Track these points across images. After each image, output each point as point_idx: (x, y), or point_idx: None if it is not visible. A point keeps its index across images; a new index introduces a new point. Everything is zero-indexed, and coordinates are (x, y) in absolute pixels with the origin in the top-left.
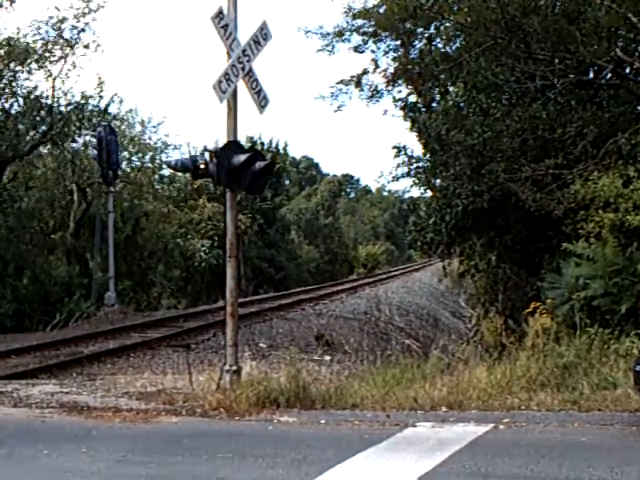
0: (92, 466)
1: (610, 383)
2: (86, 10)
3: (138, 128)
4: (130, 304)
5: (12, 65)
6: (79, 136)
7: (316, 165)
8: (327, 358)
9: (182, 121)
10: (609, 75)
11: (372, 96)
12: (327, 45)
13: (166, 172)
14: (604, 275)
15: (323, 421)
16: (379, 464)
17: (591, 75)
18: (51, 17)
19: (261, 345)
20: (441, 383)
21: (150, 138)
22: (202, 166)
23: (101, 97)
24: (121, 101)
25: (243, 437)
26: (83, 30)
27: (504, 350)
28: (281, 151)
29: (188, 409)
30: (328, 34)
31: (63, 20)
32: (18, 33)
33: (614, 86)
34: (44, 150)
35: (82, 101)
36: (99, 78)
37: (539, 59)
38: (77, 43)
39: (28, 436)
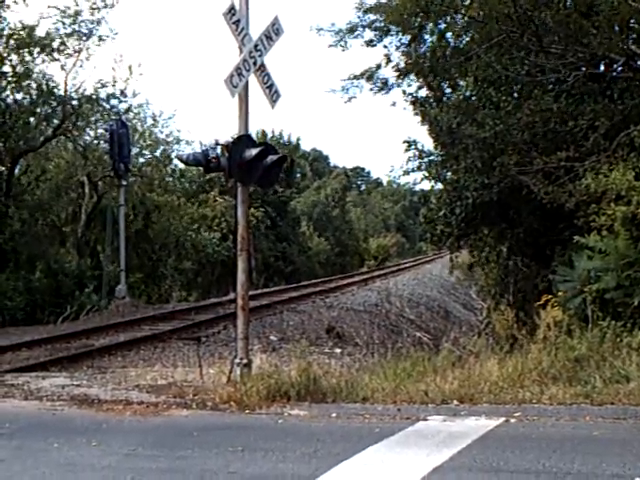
0: (102, 460)
1: (623, 376)
2: (102, 4)
3: (149, 122)
4: (141, 297)
5: (25, 56)
6: (92, 129)
7: (326, 158)
8: (338, 351)
9: (193, 114)
10: (621, 68)
11: (382, 88)
12: (339, 41)
13: (177, 164)
14: (616, 268)
15: (334, 414)
16: (390, 458)
17: (602, 68)
18: (68, 7)
19: (272, 338)
20: (452, 376)
21: (161, 132)
22: (214, 160)
23: (115, 83)
24: (134, 94)
25: (254, 430)
26: (99, 23)
27: (515, 343)
28: (293, 144)
29: (199, 402)
30: (340, 31)
31: (79, 12)
32: (33, 25)
33: (626, 79)
34: (57, 143)
35: (96, 91)
36: (115, 60)
37: (551, 52)
38: (92, 36)
39: (39, 429)
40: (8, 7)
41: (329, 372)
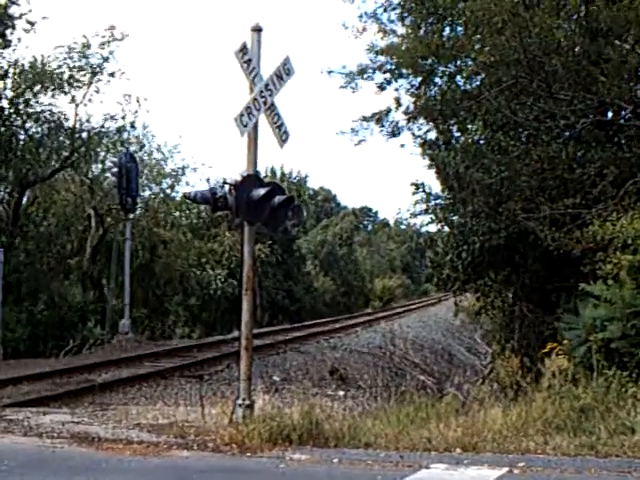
0: None
1: (628, 428)
2: (110, 39)
3: (155, 155)
4: (144, 332)
5: (36, 89)
6: (100, 162)
7: (334, 197)
8: (341, 393)
9: (200, 148)
10: (629, 115)
11: (394, 134)
12: (350, 82)
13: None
14: (622, 317)
15: (336, 460)
16: None
17: (611, 115)
18: (76, 43)
19: (275, 378)
20: (456, 423)
21: (166, 163)
22: (221, 199)
23: (124, 116)
24: (144, 126)
25: (254, 474)
26: (107, 58)
27: (520, 390)
28: (302, 183)
29: (200, 443)
30: (351, 73)
31: (88, 47)
32: (43, 59)
33: (634, 127)
34: (65, 175)
35: (105, 123)
36: (124, 96)
37: (559, 98)
38: (101, 71)
39: (38, 466)
40: (19, 40)
41: (332, 415)
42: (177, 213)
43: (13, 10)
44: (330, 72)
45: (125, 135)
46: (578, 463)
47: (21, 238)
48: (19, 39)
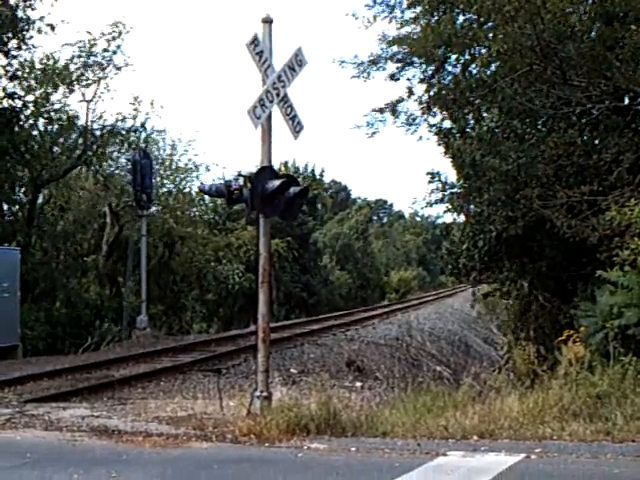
0: None
1: None
2: (116, 34)
3: (168, 151)
4: (162, 328)
5: (47, 88)
6: (113, 160)
7: (347, 189)
8: (358, 384)
9: (214, 142)
10: None
11: (409, 124)
12: (362, 72)
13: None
14: (638, 304)
15: (353, 449)
16: None
17: (627, 101)
18: (82, 41)
19: (292, 370)
20: (472, 411)
21: (180, 160)
22: (236, 192)
23: (136, 116)
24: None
25: (273, 464)
26: (114, 53)
27: (536, 378)
28: (317, 177)
29: (218, 435)
30: (363, 63)
31: (94, 44)
32: (53, 58)
33: None
34: (79, 173)
35: (116, 123)
36: (135, 98)
37: (575, 85)
38: (109, 66)
39: (59, 460)
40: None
41: (349, 406)
42: (194, 209)
43: (29, 13)
44: (342, 62)
45: (136, 135)
46: (594, 448)
47: (37, 237)
48: (31, 37)
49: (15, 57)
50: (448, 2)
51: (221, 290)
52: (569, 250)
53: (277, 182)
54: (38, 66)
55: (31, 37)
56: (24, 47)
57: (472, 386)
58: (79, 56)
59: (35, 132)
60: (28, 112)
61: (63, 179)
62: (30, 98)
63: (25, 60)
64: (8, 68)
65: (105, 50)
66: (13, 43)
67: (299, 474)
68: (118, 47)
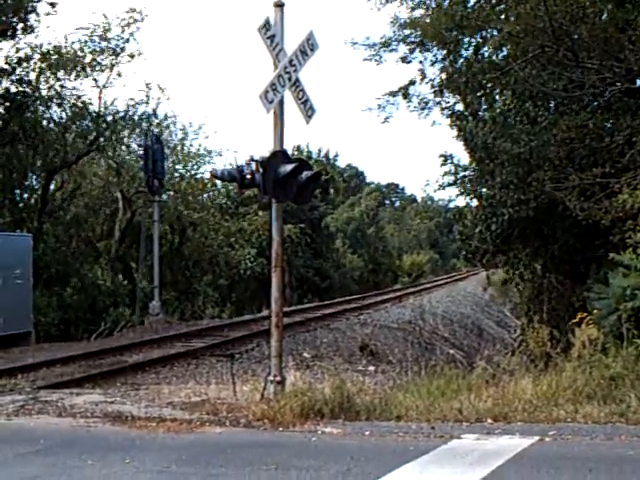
0: (136, 477)
1: None
2: (131, 20)
3: (179, 135)
4: (174, 313)
5: (60, 74)
6: (126, 146)
7: (361, 174)
8: (371, 368)
9: (226, 128)
10: None
11: (422, 108)
12: (374, 55)
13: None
14: None
15: (367, 432)
16: (424, 477)
17: (639, 83)
18: (97, 26)
19: (305, 355)
20: (486, 394)
21: (191, 145)
22: (248, 176)
23: (147, 102)
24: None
25: (287, 448)
26: (128, 40)
27: (550, 361)
28: (330, 161)
29: (232, 419)
30: (375, 44)
31: (109, 29)
32: (66, 42)
33: None
34: (91, 159)
35: (129, 108)
36: (146, 85)
37: (587, 67)
38: (122, 52)
39: (73, 446)
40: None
41: (363, 390)
42: (205, 195)
43: None
44: (354, 43)
45: (148, 121)
46: (608, 430)
47: (50, 223)
48: (38, 21)
49: (20, 40)
50: None
51: (233, 275)
52: (582, 233)
53: (289, 166)
54: (50, 50)
55: (38, 19)
56: (29, 30)
57: (485, 369)
58: (92, 40)
59: (46, 118)
60: (38, 97)
61: (75, 165)
62: (41, 85)
63: (35, 46)
64: (14, 53)
65: (119, 37)
66: (19, 26)
67: (313, 459)
68: (131, 34)
